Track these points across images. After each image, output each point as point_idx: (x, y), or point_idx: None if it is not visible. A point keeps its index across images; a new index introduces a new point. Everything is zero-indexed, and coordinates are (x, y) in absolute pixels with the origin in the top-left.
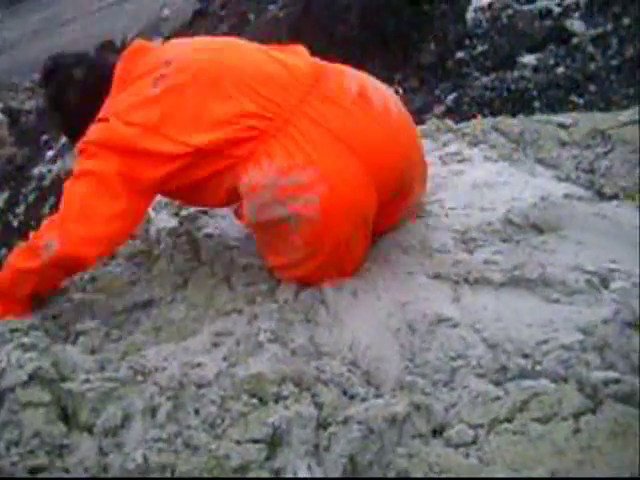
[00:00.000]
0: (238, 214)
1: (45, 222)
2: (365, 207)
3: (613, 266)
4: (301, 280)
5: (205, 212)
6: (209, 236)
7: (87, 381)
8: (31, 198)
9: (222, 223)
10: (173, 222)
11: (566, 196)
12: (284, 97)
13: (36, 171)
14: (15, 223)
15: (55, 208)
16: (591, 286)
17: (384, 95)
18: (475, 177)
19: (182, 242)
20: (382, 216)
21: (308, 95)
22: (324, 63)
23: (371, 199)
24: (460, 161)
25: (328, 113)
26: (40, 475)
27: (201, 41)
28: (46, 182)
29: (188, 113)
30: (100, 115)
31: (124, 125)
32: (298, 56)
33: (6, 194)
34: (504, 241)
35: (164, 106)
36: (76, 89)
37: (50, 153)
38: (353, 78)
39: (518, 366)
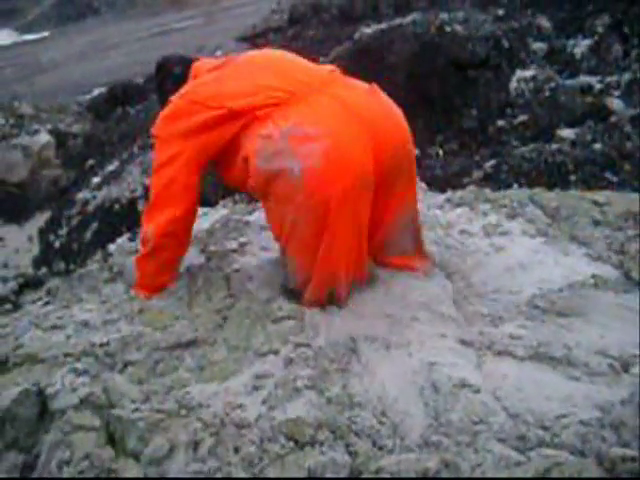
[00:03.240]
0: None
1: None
2: (363, 167)
3: (636, 352)
4: (309, 270)
5: (234, 250)
6: (237, 271)
7: (137, 410)
8: (74, 222)
9: (247, 259)
10: (201, 259)
11: (594, 277)
12: (308, 80)
13: (80, 195)
14: (57, 244)
15: (98, 234)
16: (612, 369)
17: (388, 99)
18: (512, 256)
19: (215, 279)
20: (380, 208)
21: (328, 84)
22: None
23: (369, 162)
24: (502, 234)
25: (346, 94)
26: None
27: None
28: (90, 208)
29: (226, 88)
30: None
31: (185, 103)
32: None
33: (48, 214)
34: (529, 319)
35: (211, 86)
36: (172, 80)
37: (96, 179)
38: (364, 84)
39: (537, 437)
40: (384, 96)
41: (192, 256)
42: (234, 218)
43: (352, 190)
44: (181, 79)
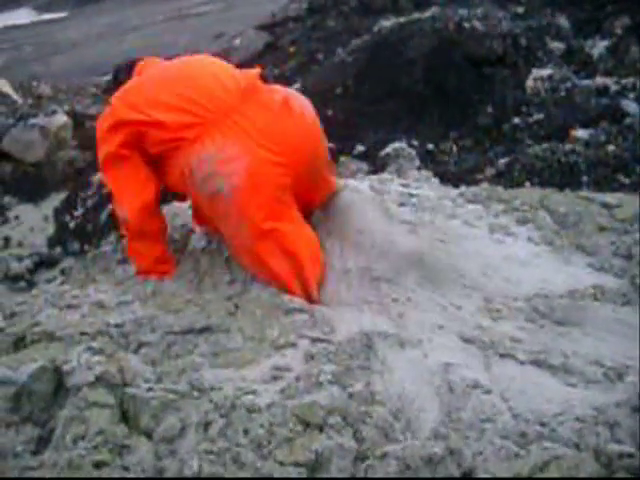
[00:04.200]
0: (195, 215)
1: None
2: (280, 181)
3: (629, 363)
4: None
5: None
6: None
7: (150, 389)
8: (89, 203)
9: None
10: (203, 241)
11: (594, 287)
12: (226, 98)
13: (96, 177)
14: (72, 224)
15: (112, 216)
16: (607, 378)
17: (302, 105)
18: (512, 252)
19: (219, 262)
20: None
21: (245, 102)
22: (260, 84)
23: (285, 176)
24: (506, 234)
25: (259, 115)
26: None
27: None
28: (105, 190)
29: (153, 96)
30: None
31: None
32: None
33: (64, 194)
34: (527, 321)
35: (140, 90)
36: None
37: None
38: (279, 93)
39: (536, 432)
40: (296, 108)
41: (196, 238)
42: None
43: (277, 202)
44: None
